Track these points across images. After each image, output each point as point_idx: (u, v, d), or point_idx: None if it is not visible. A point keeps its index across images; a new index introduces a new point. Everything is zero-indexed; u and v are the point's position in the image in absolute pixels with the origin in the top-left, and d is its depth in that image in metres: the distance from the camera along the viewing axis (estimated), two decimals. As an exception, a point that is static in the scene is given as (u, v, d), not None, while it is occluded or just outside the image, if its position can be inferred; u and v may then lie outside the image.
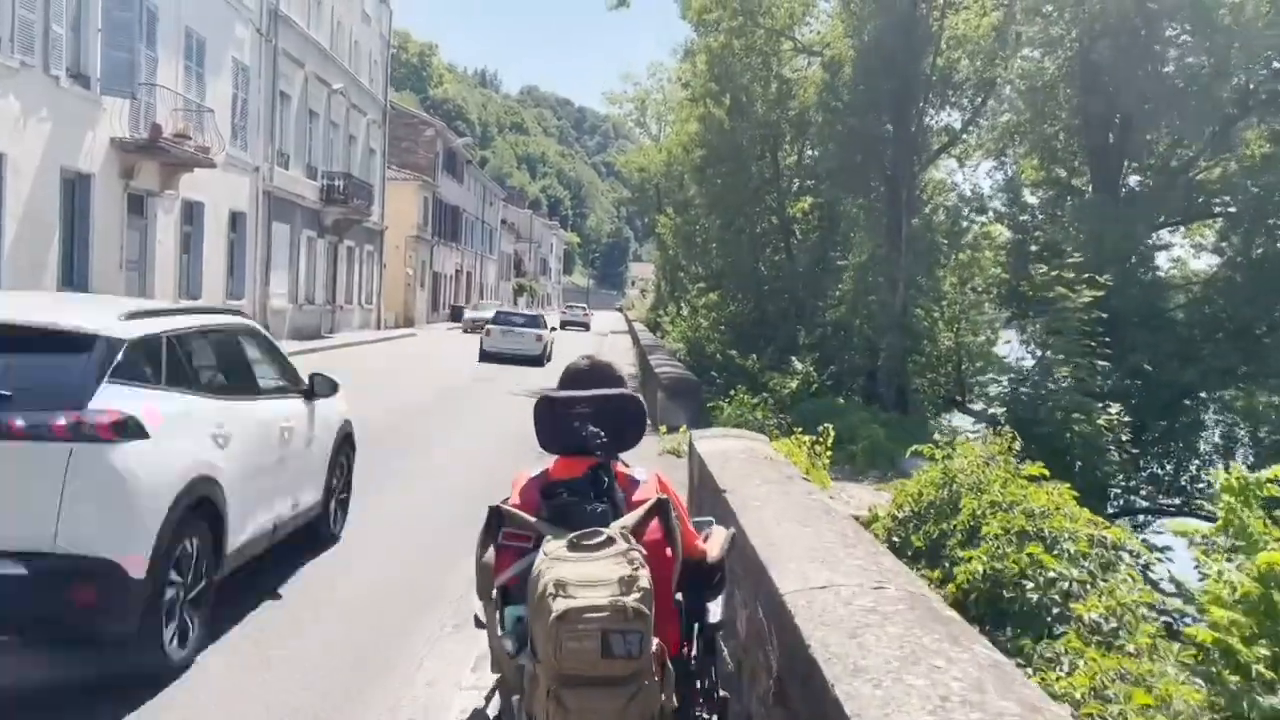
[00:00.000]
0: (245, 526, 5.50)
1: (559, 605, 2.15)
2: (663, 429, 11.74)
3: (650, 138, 59.49)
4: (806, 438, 8.86)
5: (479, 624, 2.49)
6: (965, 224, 21.39)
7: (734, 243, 31.32)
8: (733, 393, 12.10)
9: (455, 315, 57.92)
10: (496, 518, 2.52)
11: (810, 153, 31.61)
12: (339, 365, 22.04)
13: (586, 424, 2.68)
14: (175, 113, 22.27)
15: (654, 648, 2.23)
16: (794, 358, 23.78)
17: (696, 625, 2.73)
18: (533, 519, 2.51)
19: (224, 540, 5.20)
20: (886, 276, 20.58)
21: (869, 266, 23.02)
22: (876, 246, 22.61)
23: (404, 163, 50.69)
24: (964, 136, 20.78)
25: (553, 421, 2.75)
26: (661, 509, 2.52)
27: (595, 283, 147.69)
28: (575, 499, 2.55)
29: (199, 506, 4.88)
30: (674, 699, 2.34)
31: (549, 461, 2.78)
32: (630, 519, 2.47)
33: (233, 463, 5.26)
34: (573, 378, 2.92)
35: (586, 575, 2.20)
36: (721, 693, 2.79)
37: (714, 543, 2.90)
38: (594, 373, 2.92)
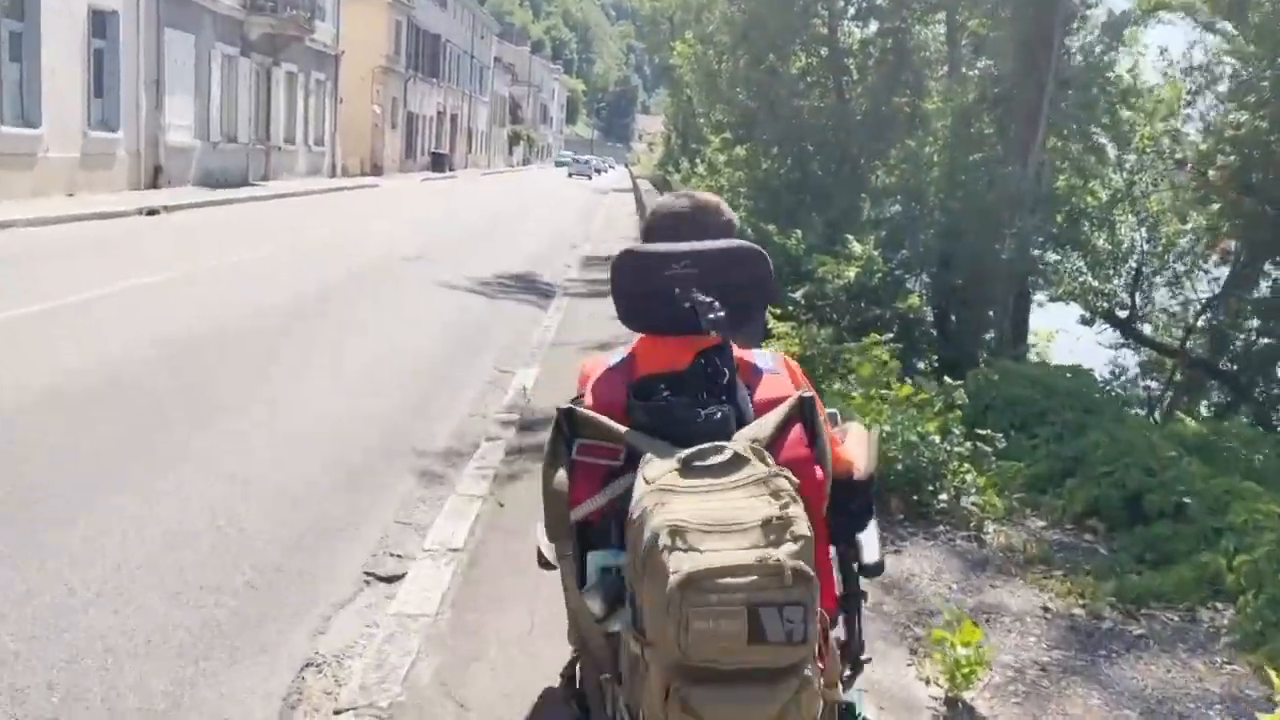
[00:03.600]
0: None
1: (681, 563, 1.39)
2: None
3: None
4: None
5: (545, 564, 1.84)
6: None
7: (767, 82, 24.27)
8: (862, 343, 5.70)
9: (437, 163, 50.61)
10: (568, 422, 1.72)
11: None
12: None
13: (691, 290, 1.74)
14: None
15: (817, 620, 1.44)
16: (851, 237, 17.13)
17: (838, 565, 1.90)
18: (621, 428, 1.69)
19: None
20: (1017, 123, 13.69)
21: (973, 111, 16.09)
22: (989, 83, 15.64)
23: (371, -23, 42.51)
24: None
25: (640, 286, 1.81)
26: (804, 410, 1.72)
27: (601, 134, 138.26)
28: (682, 399, 1.70)
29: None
30: (840, 688, 1.67)
31: (631, 345, 1.90)
32: (763, 427, 1.67)
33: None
34: (665, 223, 1.94)
35: (715, 516, 1.44)
36: (865, 655, 1.98)
37: (857, 447, 2.00)
38: (697, 216, 1.94)
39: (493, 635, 3.54)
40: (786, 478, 1.51)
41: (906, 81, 22.18)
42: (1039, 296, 15.92)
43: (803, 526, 1.45)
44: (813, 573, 1.42)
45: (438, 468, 5.65)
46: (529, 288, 13.72)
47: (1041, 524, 4.88)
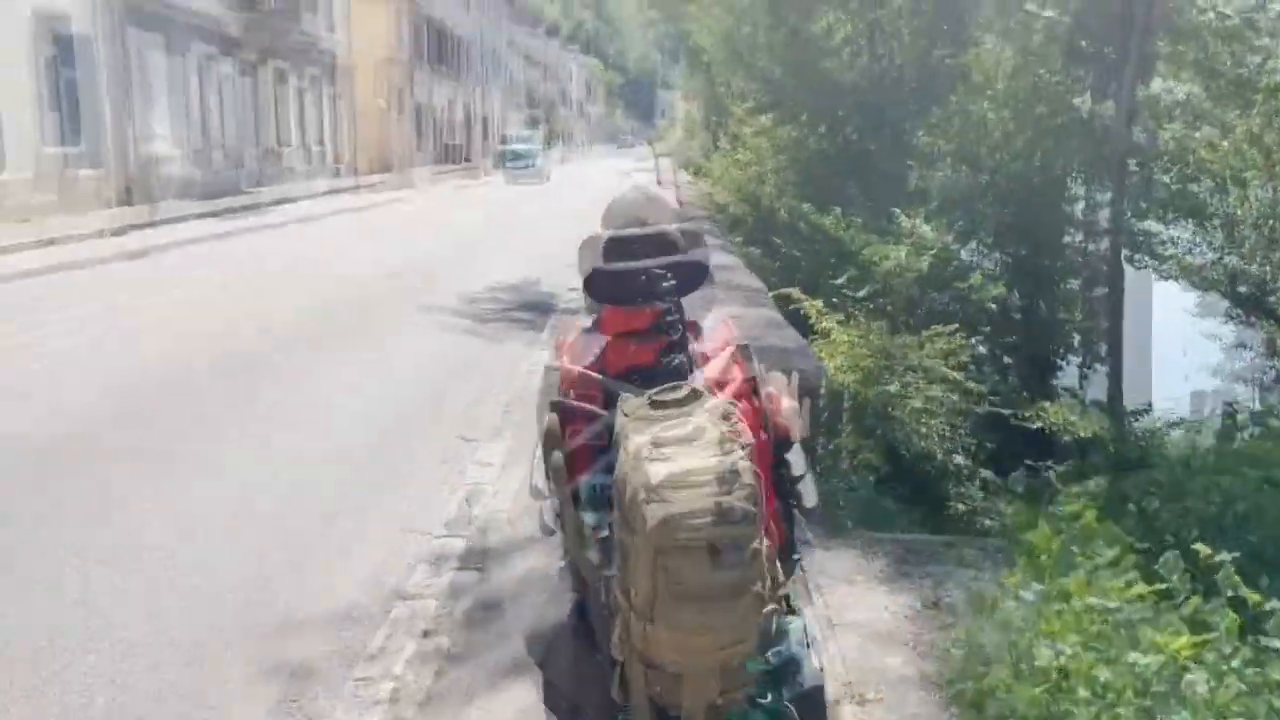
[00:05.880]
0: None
1: (656, 470, 1.73)
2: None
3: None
4: None
5: (537, 494, 2.14)
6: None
7: (792, 44, 21.87)
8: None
9: (449, 155, 48.60)
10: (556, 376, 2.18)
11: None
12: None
13: (648, 269, 2.17)
14: None
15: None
16: (900, 210, 14.63)
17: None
18: (597, 375, 2.14)
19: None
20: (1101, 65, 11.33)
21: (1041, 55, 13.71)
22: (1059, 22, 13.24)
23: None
24: None
25: (612, 267, 2.22)
26: (743, 354, 2.16)
27: (623, 113, 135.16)
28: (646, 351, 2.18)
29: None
30: (783, 604, 1.94)
31: (589, 320, 2.30)
32: (713, 368, 2.12)
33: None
34: (625, 222, 2.30)
35: (681, 434, 1.80)
36: (797, 554, 2.19)
37: (790, 410, 2.19)
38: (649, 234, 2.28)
39: None
40: (732, 405, 1.88)
41: (949, 31, 19.79)
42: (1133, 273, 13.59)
43: (748, 435, 1.82)
44: (755, 509, 1.72)
45: (317, 660, 3.51)
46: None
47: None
